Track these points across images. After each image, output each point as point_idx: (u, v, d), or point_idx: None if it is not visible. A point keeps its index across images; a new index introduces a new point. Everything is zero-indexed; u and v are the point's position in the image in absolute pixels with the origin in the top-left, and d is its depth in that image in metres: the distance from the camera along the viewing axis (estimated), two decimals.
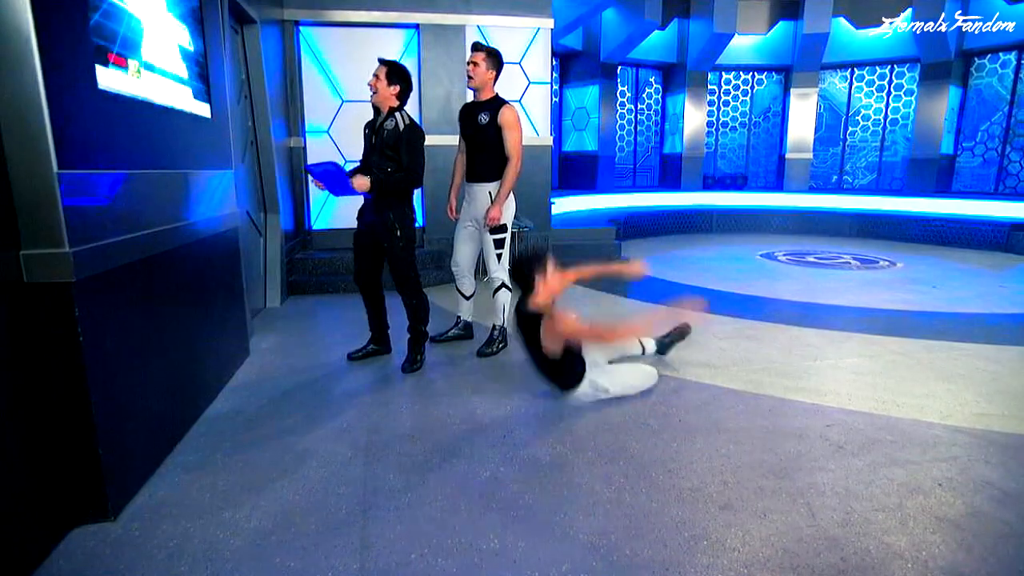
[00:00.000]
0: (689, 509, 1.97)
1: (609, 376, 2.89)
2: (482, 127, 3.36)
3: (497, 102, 3.38)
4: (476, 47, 3.34)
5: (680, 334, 3.48)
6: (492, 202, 3.41)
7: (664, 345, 3.44)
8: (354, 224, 3.36)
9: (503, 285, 3.56)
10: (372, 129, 3.21)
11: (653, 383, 2.99)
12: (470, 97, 3.72)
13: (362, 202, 3.29)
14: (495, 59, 3.36)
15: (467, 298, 3.76)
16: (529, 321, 2.62)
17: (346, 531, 1.84)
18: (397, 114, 3.15)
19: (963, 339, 3.87)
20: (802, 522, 1.90)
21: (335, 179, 3.02)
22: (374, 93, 3.12)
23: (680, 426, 2.60)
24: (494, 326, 3.65)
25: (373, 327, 3.51)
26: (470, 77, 3.34)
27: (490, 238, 3.47)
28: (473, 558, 1.72)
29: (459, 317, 3.84)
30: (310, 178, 3.21)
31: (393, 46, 5.65)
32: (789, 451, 2.37)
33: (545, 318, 2.55)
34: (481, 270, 3.85)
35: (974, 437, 2.50)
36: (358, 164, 3.34)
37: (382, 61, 3.14)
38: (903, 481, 2.15)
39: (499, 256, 3.52)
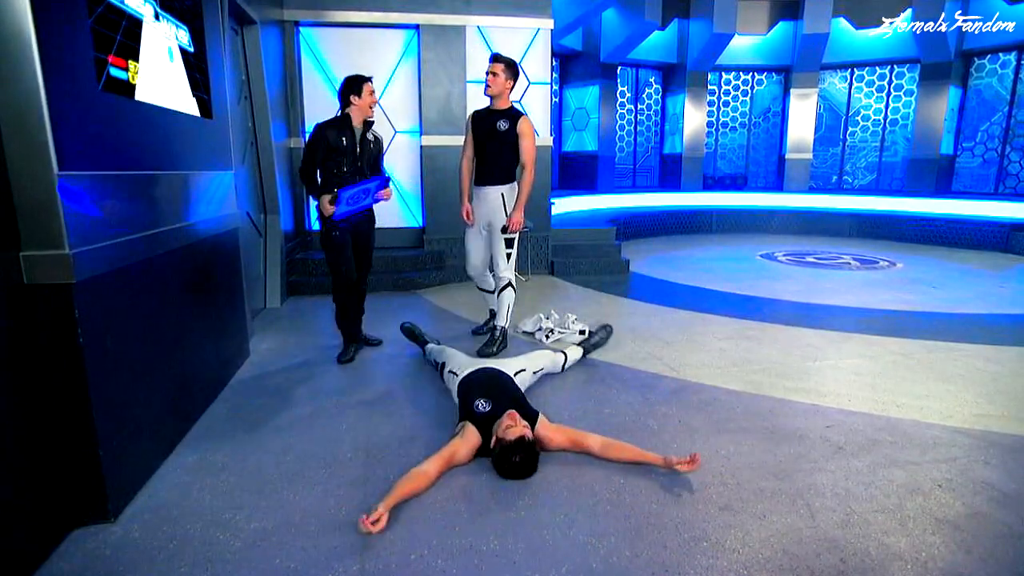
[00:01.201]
0: (689, 510, 1.97)
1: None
2: (501, 133, 3.49)
3: (515, 111, 3.54)
4: (496, 58, 3.47)
5: (606, 335, 3.55)
6: (512, 207, 3.56)
7: (589, 349, 3.47)
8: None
9: (508, 284, 3.65)
10: (353, 140, 3.33)
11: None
12: (474, 102, 3.75)
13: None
14: (513, 70, 3.49)
15: (492, 292, 3.88)
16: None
17: (346, 532, 1.84)
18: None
19: (963, 339, 3.87)
20: (802, 523, 1.90)
21: (364, 195, 3.28)
22: (371, 106, 3.38)
23: (680, 427, 2.60)
24: (495, 326, 3.68)
25: (356, 327, 3.64)
26: (488, 86, 3.46)
27: (502, 238, 3.58)
28: (473, 559, 1.73)
29: (493, 310, 3.94)
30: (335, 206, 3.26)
31: (393, 47, 5.66)
32: (789, 452, 2.38)
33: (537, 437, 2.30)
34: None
35: (974, 438, 2.50)
36: (353, 173, 3.36)
37: (371, 79, 3.38)
38: (903, 482, 2.15)
39: (508, 256, 3.62)
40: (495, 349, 3.59)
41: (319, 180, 3.34)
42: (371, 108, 3.38)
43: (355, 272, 3.49)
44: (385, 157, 5.75)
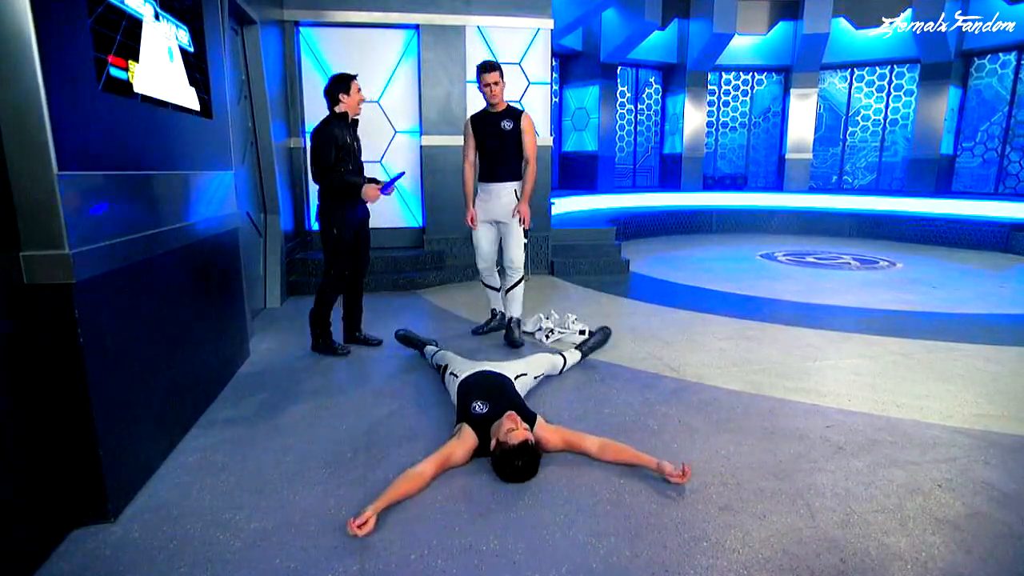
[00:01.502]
0: (689, 510, 1.97)
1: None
2: (507, 133, 3.64)
3: (515, 110, 3.69)
4: (492, 66, 3.55)
5: (604, 337, 3.53)
6: (520, 200, 3.69)
7: (587, 351, 3.42)
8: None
9: (521, 279, 3.80)
10: (353, 137, 3.41)
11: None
12: (474, 102, 3.83)
13: (348, 203, 3.42)
14: (503, 73, 3.63)
15: (498, 290, 3.98)
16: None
17: (346, 532, 1.84)
18: None
19: (963, 339, 3.87)
20: (802, 523, 1.90)
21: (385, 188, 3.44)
22: (359, 103, 3.44)
23: (680, 427, 2.60)
24: (511, 318, 3.83)
25: (355, 324, 3.74)
26: (493, 94, 3.56)
27: (519, 230, 3.71)
28: (473, 559, 1.73)
29: (494, 310, 4.03)
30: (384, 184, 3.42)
31: (393, 47, 5.66)
32: (789, 452, 2.38)
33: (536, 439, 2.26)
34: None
35: (974, 438, 2.50)
36: (356, 171, 3.45)
37: (356, 76, 3.42)
38: (903, 482, 2.15)
39: (525, 246, 3.78)
40: (517, 335, 3.76)
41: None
42: (359, 105, 3.41)
43: (355, 265, 3.56)
44: (385, 157, 5.80)
